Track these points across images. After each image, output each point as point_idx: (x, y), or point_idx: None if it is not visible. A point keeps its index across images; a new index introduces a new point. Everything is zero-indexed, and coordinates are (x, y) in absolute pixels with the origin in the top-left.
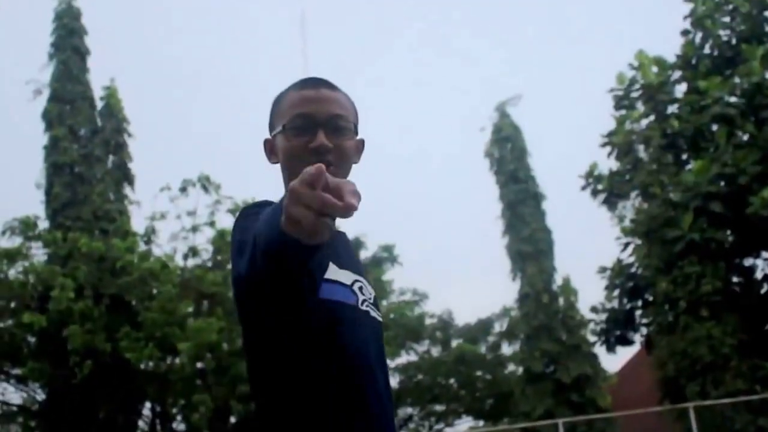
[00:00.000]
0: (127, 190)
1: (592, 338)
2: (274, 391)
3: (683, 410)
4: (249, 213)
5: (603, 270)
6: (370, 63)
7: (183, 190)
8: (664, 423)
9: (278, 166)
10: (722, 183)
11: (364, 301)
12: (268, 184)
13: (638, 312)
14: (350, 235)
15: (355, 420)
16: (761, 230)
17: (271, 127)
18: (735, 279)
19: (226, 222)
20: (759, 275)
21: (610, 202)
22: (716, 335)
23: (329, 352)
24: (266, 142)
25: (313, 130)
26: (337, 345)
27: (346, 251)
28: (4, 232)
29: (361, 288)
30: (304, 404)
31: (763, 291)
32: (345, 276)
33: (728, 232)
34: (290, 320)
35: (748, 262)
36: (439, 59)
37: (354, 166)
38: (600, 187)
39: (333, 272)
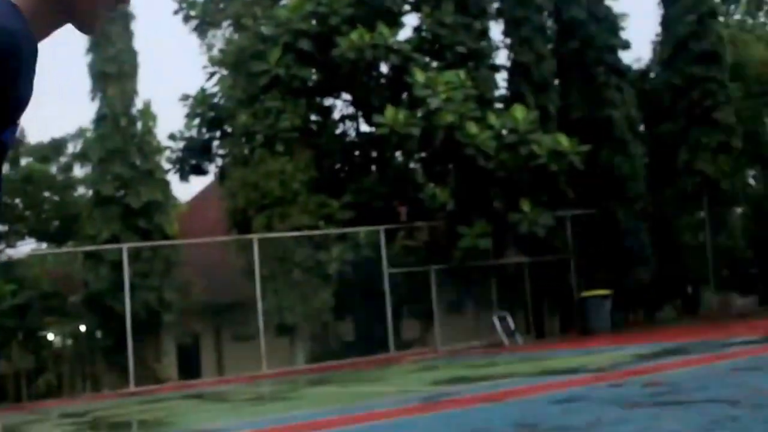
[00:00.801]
0: None
1: (167, 166)
2: None
3: (248, 241)
4: None
5: (186, 98)
6: None
7: None
8: (229, 253)
9: None
10: (314, 21)
11: None
12: None
13: (216, 143)
14: None
15: None
16: (345, 73)
17: None
18: (314, 117)
19: None
20: (337, 116)
21: (202, 30)
22: (289, 171)
23: None
24: None
25: None
26: None
27: None
28: None
29: None
30: None
31: (338, 131)
32: None
33: (313, 70)
34: None
35: (328, 101)
36: None
37: None
38: (193, 13)
39: None
